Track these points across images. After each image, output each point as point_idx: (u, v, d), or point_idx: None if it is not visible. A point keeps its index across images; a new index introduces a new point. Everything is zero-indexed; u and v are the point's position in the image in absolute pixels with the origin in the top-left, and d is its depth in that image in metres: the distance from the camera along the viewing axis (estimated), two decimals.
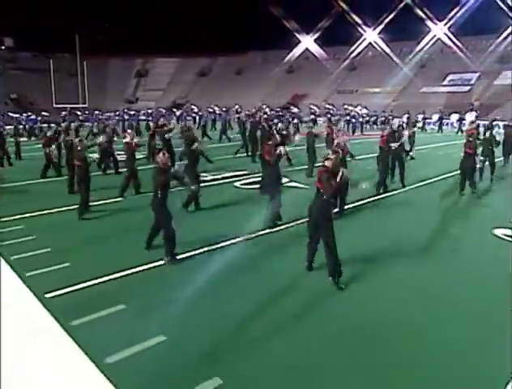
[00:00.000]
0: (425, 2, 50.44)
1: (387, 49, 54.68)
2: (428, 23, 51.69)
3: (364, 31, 55.62)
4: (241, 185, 14.52)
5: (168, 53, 67.88)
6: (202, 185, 11.92)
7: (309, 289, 6.73)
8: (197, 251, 8.24)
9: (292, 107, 39.02)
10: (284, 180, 12.22)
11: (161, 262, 7.67)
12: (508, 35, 48.85)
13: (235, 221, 10.02)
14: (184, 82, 69.95)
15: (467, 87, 49.03)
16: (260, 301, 6.33)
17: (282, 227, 9.72)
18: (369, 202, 11.90)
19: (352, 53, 57.33)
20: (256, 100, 56.89)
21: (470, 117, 32.69)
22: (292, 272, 7.27)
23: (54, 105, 51.09)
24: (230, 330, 5.63)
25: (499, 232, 9.43)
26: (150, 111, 41.55)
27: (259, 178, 13.18)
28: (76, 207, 10.81)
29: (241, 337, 5.51)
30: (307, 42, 60.31)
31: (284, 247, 8.57)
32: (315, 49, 60.26)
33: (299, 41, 60.33)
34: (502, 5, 47.07)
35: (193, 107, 41.80)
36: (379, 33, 55.05)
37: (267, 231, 9.37)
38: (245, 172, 16.62)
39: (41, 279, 6.98)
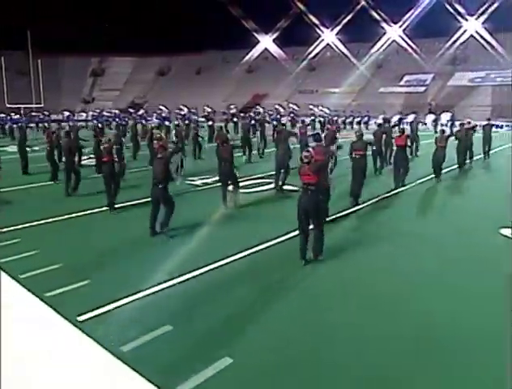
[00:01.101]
0: (380, 5, 51.90)
1: (345, 50, 55.83)
2: (384, 25, 53.21)
3: (322, 32, 56.56)
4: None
5: (125, 52, 66.73)
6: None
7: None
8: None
9: (257, 107, 39.18)
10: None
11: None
12: (458, 38, 50.99)
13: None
14: (142, 81, 68.98)
15: (423, 88, 50.86)
16: None
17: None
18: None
19: (310, 53, 58.19)
20: (217, 100, 56.91)
21: (445, 117, 35.22)
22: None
23: (7, 105, 49.12)
24: None
25: None
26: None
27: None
28: (77, 214, 10.60)
29: None
30: (266, 42, 60.67)
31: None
32: (274, 49, 60.74)
33: (258, 41, 60.63)
34: (451, 9, 49.13)
35: (161, 107, 41.13)
36: (337, 34, 56.11)
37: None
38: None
39: (66, 299, 6.29)
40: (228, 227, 9.72)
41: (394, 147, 14.08)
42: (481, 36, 49.13)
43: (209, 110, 41.45)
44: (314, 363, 4.87)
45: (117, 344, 5.13)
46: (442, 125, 34.62)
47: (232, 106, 40.70)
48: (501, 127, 37.72)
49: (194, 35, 64.41)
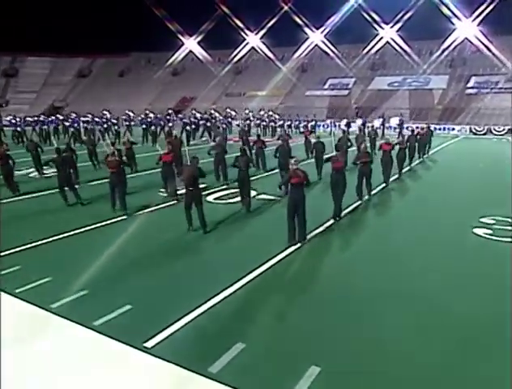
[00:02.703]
0: (303, 11, 53.37)
1: (270, 54, 56.76)
2: (307, 30, 54.74)
3: (247, 35, 57.10)
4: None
5: (40, 51, 63.25)
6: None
7: None
8: None
9: (193, 111, 38.70)
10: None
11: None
12: (375, 44, 53.64)
13: None
14: (61, 83, 65.89)
15: (346, 91, 53.00)
16: None
17: None
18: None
19: (235, 56, 58.52)
20: (142, 104, 55.70)
21: (394, 121, 37.55)
22: None
23: None
24: None
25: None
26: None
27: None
28: (84, 229, 10.56)
29: None
30: (191, 44, 60.19)
31: None
32: (199, 51, 60.44)
33: (182, 43, 60.01)
34: (367, 16, 51.64)
35: (105, 112, 39.45)
36: (261, 38, 56.90)
37: None
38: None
39: (115, 327, 6.11)
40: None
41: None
42: (397, 44, 52.08)
43: (131, 115, 40.49)
44: None
45: None
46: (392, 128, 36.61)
47: (170, 111, 40.11)
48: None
49: (116, 35, 62.52)
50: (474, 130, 43.42)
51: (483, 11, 46.21)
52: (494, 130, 42.57)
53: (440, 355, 5.53)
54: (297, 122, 38.85)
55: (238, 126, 33.30)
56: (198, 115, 37.08)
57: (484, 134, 42.62)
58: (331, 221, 11.13)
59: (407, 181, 17.19)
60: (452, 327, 6.20)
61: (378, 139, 23.76)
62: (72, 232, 10.27)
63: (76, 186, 13.52)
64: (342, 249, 9.70)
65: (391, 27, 51.82)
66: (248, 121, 37.70)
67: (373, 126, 28.73)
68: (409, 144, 18.93)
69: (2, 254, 8.79)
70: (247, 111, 40.33)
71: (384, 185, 15.47)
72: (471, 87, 48.09)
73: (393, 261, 8.60)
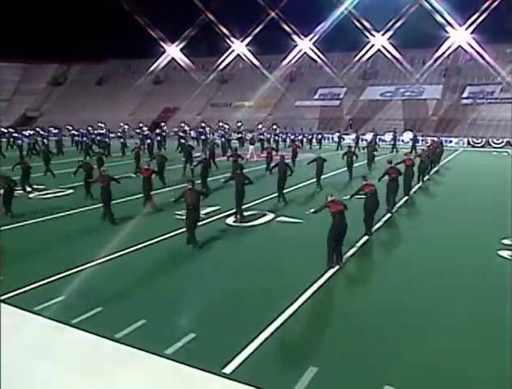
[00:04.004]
0: (291, 18, 51.33)
1: (257, 62, 54.53)
2: (295, 37, 52.69)
3: (233, 42, 54.76)
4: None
5: (10, 57, 59.14)
6: None
7: None
8: None
9: (182, 124, 36.65)
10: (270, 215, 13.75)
11: None
12: (365, 52, 51.93)
13: None
14: (34, 91, 62.06)
15: (337, 102, 51.07)
16: None
17: None
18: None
19: (220, 64, 56.05)
20: (122, 114, 52.84)
21: (407, 135, 38.02)
22: None
23: None
24: None
25: None
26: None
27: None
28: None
29: None
30: (173, 51, 57.48)
31: None
32: (181, 58, 57.76)
33: (164, 50, 57.26)
34: (358, 23, 49.90)
35: (100, 125, 37.15)
36: (247, 45, 54.64)
37: None
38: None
39: (188, 355, 6.21)
40: None
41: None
42: (388, 52, 50.46)
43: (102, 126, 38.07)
44: None
45: None
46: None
47: (162, 124, 37.83)
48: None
49: (93, 41, 59.16)
50: (472, 143, 42.16)
51: (477, 19, 45.24)
52: (493, 142, 41.37)
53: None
54: (301, 136, 36.80)
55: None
56: (187, 128, 35.18)
57: (482, 146, 41.34)
58: (363, 239, 11.42)
59: (424, 195, 17.89)
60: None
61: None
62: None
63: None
64: (379, 274, 9.66)
65: (383, 34, 50.28)
66: (240, 135, 35.65)
67: (371, 141, 28.67)
68: (428, 157, 20.30)
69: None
70: (239, 124, 38.06)
71: (406, 198, 16.36)
72: (467, 98, 46.77)
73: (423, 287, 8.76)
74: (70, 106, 55.89)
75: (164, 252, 10.57)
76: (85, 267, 9.36)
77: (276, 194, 15.64)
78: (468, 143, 42.23)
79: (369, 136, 36.39)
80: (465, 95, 47.04)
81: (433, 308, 7.69)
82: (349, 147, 22.84)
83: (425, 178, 20.02)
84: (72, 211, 14.41)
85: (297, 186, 18.32)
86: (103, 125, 37.69)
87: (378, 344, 6.54)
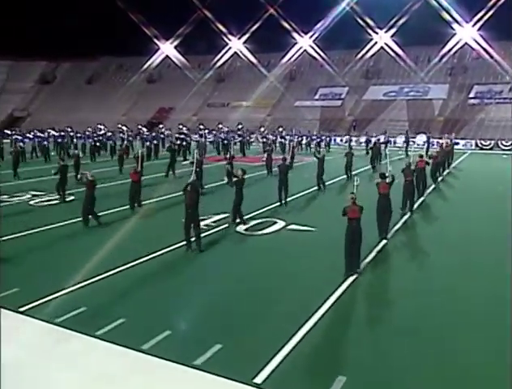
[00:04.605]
0: (290, 14, 49.42)
1: (255, 61, 52.58)
2: (295, 34, 50.76)
3: (230, 40, 52.72)
4: None
5: None
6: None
7: None
8: None
9: (181, 126, 34.72)
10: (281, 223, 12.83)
11: None
12: (368, 50, 50.15)
13: None
14: (21, 91, 59.50)
15: (339, 102, 49.31)
16: None
17: None
18: None
19: (217, 62, 53.98)
20: (115, 115, 50.80)
21: (421, 138, 36.78)
22: None
23: None
24: None
25: None
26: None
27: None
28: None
29: None
30: (167, 49, 55.33)
31: None
32: (176, 56, 55.64)
33: (158, 48, 55.07)
34: (360, 20, 48.09)
35: (99, 126, 35.34)
36: (245, 43, 52.64)
37: None
38: None
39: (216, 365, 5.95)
40: None
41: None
42: (392, 50, 48.70)
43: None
44: None
45: None
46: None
47: (161, 126, 36.22)
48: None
49: (84, 38, 56.84)
50: (480, 145, 40.60)
51: (484, 15, 43.74)
52: (502, 144, 39.80)
53: None
54: (308, 139, 35.13)
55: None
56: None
57: (491, 148, 39.78)
58: (382, 244, 11.06)
59: (438, 200, 17.28)
60: None
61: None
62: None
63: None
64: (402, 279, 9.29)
65: (386, 31, 48.64)
66: (241, 138, 33.74)
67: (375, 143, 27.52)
68: (440, 159, 20.45)
69: None
70: (240, 126, 36.08)
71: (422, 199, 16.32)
72: (474, 98, 45.24)
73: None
74: (60, 106, 53.55)
75: (181, 262, 10.02)
76: (96, 279, 8.71)
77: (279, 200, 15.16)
78: (476, 145, 40.67)
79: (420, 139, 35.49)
80: (472, 94, 45.59)
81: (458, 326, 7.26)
82: (350, 148, 23.79)
83: (439, 179, 20.13)
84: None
85: (307, 191, 17.60)
86: (102, 126, 35.95)
87: (405, 355, 6.34)
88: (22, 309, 7.26)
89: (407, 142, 31.99)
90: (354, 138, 38.56)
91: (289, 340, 6.46)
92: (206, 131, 35.19)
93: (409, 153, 30.40)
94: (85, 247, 10.40)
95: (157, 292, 8.21)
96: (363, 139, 35.31)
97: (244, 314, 7.46)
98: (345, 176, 20.29)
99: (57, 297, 7.77)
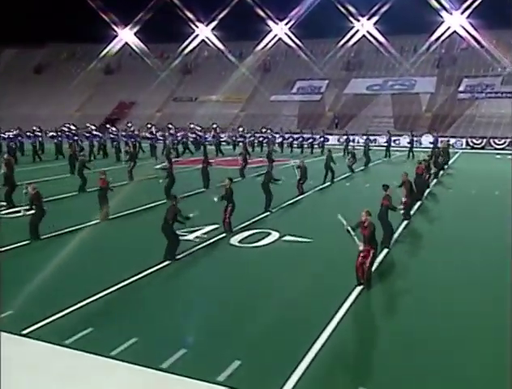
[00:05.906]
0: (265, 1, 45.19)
1: (225, 50, 48.14)
2: (269, 22, 46.50)
3: (197, 26, 47.96)
4: None
5: None
6: None
7: None
8: None
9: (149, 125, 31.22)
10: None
11: None
12: (349, 39, 46.44)
13: None
14: None
15: (318, 96, 45.63)
16: None
17: None
18: None
19: (183, 50, 49.09)
20: (69, 109, 45.46)
21: (427, 139, 35.22)
22: None
23: None
24: None
25: None
26: None
27: None
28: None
29: None
30: (126, 35, 50.01)
31: None
32: (137, 44, 50.41)
33: (116, 34, 49.68)
34: (340, 6, 44.32)
35: (71, 126, 32.05)
36: (213, 30, 47.98)
37: None
38: None
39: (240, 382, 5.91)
40: None
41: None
42: (375, 38, 45.16)
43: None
44: None
45: None
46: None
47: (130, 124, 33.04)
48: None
49: (30, 21, 50.90)
50: (471, 143, 37.96)
51: (473, 2, 40.95)
52: (494, 143, 37.24)
53: None
54: (300, 139, 31.77)
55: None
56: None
57: (483, 147, 37.07)
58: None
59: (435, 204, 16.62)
60: None
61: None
62: None
63: None
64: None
65: (368, 19, 45.55)
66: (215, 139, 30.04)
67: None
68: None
69: None
70: (214, 125, 32.10)
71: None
72: (463, 92, 42.44)
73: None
74: (3, 99, 47.39)
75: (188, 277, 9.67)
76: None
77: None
78: (467, 143, 37.87)
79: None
80: (461, 88, 42.88)
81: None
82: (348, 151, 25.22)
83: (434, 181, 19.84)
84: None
85: (300, 198, 16.76)
86: (73, 126, 32.48)
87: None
88: None
89: (411, 142, 29.36)
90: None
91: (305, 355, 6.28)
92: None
93: (413, 155, 27.76)
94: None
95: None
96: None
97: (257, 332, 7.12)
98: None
99: None
